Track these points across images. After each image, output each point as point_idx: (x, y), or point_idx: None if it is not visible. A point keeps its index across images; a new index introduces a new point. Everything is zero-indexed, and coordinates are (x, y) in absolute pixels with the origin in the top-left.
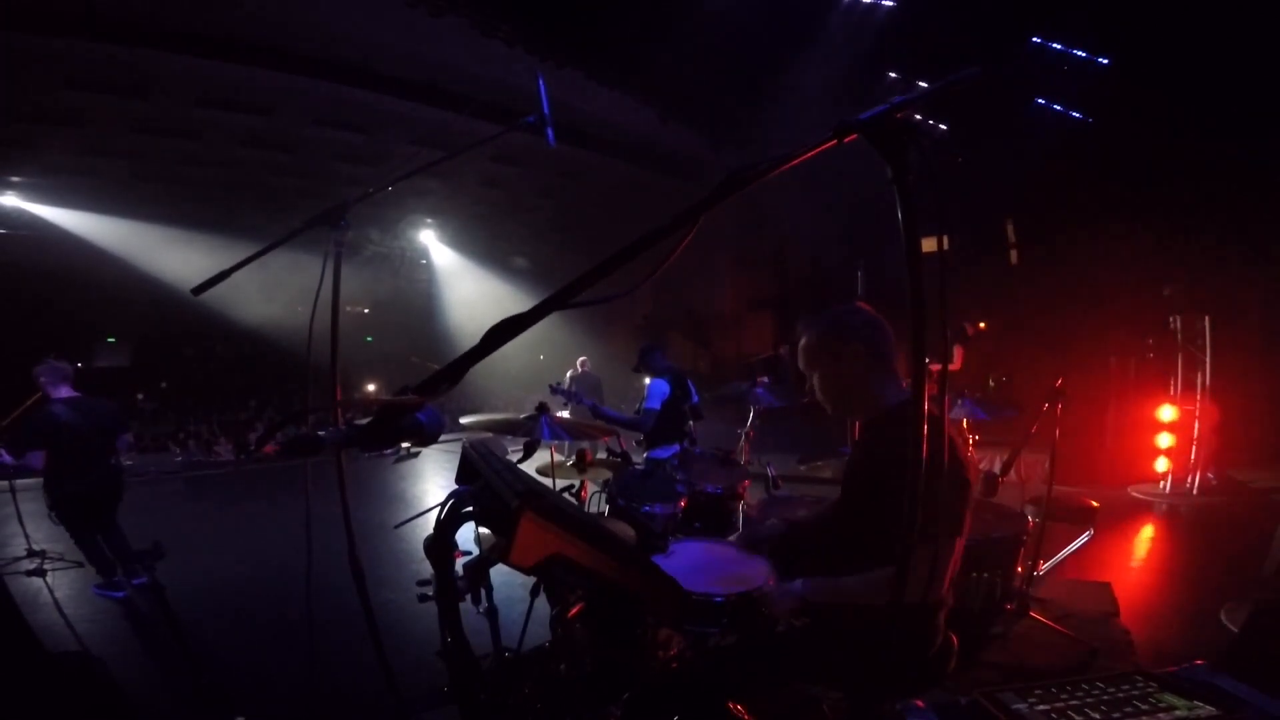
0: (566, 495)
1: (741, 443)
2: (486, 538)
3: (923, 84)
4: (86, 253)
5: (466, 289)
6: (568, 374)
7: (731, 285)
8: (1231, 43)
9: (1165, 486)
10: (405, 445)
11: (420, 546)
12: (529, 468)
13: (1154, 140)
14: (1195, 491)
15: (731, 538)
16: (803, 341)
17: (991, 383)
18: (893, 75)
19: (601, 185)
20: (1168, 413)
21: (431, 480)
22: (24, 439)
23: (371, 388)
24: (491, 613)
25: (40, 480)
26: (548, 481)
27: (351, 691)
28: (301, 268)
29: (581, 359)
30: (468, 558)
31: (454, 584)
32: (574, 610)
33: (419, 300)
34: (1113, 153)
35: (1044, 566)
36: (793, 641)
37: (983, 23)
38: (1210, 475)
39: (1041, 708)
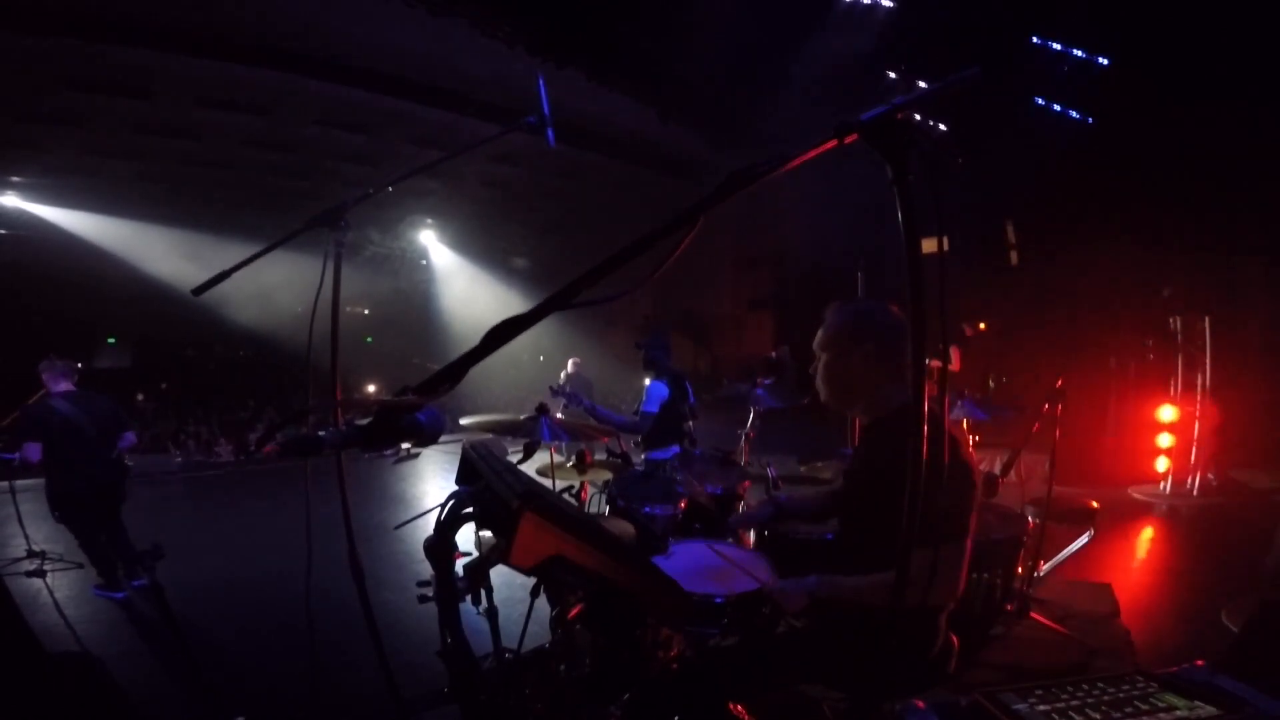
0: (566, 496)
1: (741, 444)
2: (486, 538)
3: (923, 84)
4: (86, 253)
5: (466, 289)
6: (562, 374)
7: (731, 285)
8: (1231, 42)
9: (1165, 487)
10: (405, 446)
11: (420, 547)
12: (529, 469)
13: (1154, 140)
14: (1195, 492)
15: (729, 540)
16: (825, 324)
17: (991, 383)
18: (893, 75)
19: (601, 185)
20: (1168, 413)
21: (431, 481)
22: (20, 431)
23: (371, 388)
24: (491, 613)
25: (41, 480)
26: (547, 483)
27: (351, 691)
28: (302, 268)
29: (573, 359)
30: (468, 558)
31: (454, 584)
32: (574, 611)
33: (419, 301)
34: (1113, 153)
35: (1044, 567)
36: (793, 642)
37: (983, 23)
38: (1210, 476)
39: (1042, 708)
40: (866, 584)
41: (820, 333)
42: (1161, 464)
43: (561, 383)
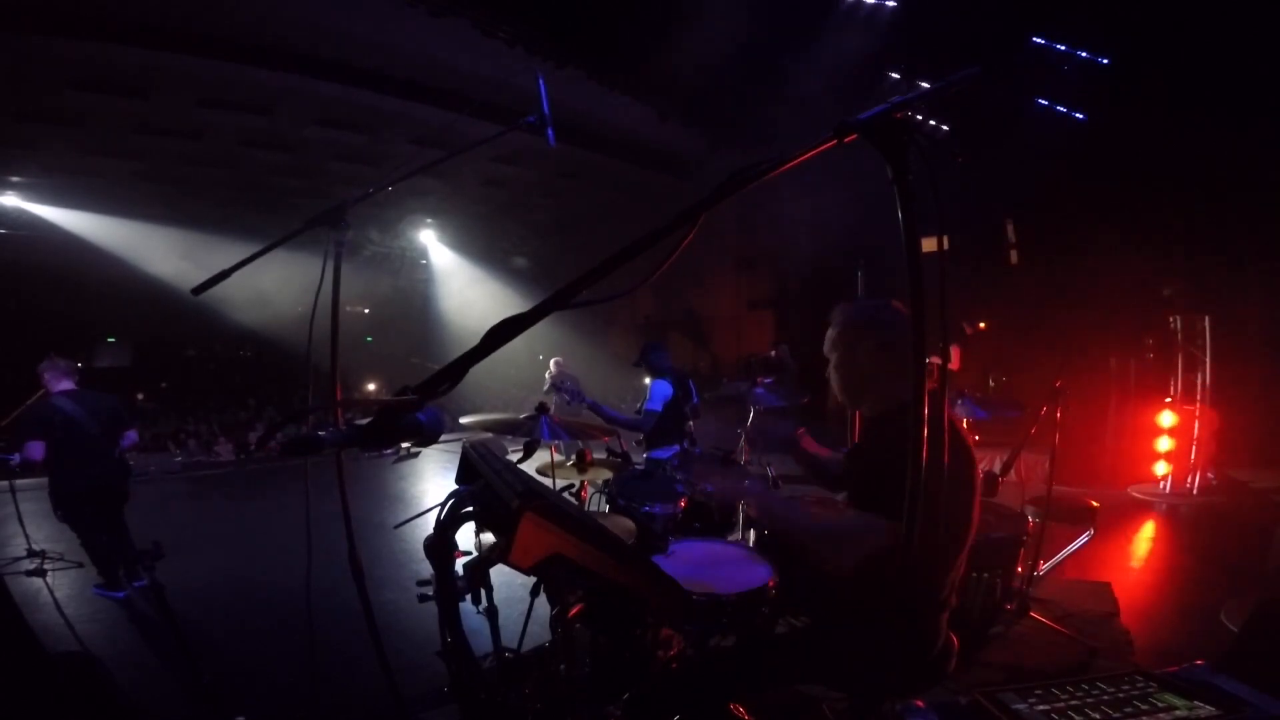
0: (566, 495)
1: (741, 443)
2: (486, 537)
3: (923, 84)
4: (86, 253)
5: (466, 289)
6: (546, 375)
7: (731, 285)
8: (1231, 43)
9: (1165, 486)
10: (405, 445)
11: (420, 546)
12: (529, 468)
13: (1154, 140)
14: (1195, 491)
15: (730, 539)
16: (832, 326)
17: (991, 383)
18: (893, 75)
19: (601, 185)
20: (1167, 413)
21: (431, 480)
22: (22, 430)
23: (371, 388)
24: (491, 613)
25: (42, 480)
26: (547, 481)
27: (351, 691)
28: (302, 268)
29: (555, 360)
30: (468, 557)
31: (454, 584)
32: (574, 610)
33: (419, 300)
34: (1113, 153)
35: (1044, 566)
36: (793, 642)
37: (983, 23)
38: (1210, 475)
39: (1041, 708)
40: (808, 521)
41: (828, 333)
42: (1161, 464)
43: (547, 384)
